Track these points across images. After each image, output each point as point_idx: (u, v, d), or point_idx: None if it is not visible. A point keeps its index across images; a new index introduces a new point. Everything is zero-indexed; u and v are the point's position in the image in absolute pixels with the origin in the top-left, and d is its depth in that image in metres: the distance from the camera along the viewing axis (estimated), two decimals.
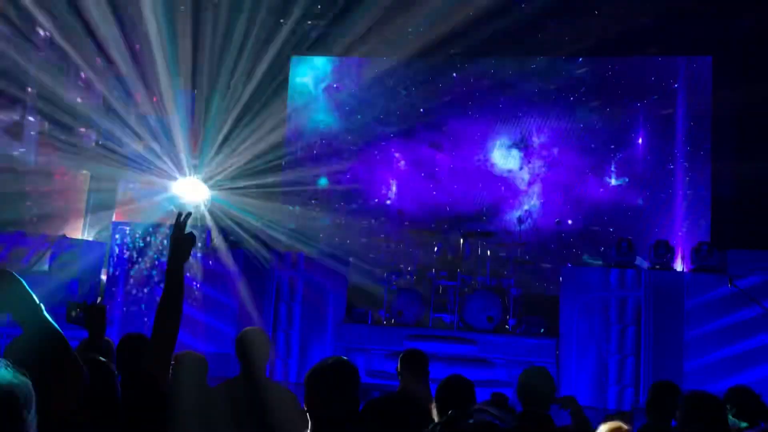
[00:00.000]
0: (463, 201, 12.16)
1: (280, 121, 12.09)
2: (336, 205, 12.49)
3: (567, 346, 8.92)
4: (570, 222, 11.70)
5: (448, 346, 8.98)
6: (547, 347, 8.87)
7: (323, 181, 12.75)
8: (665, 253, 9.33)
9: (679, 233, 11.22)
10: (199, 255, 9.37)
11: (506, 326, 9.30)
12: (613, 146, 11.70)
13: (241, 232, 9.84)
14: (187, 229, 2.20)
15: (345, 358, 2.64)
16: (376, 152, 12.58)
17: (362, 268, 10.67)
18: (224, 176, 10.81)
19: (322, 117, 12.74)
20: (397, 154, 12.59)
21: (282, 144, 12.37)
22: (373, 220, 12.13)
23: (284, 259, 9.76)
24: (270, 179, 11.55)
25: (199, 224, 9.61)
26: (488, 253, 9.74)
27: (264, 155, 11.54)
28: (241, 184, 10.93)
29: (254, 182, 11.12)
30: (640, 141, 11.68)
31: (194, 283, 9.27)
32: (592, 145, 11.73)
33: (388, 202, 12.50)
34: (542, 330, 9.17)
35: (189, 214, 2.35)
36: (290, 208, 12.50)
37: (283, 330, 9.60)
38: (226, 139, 10.96)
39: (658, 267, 9.16)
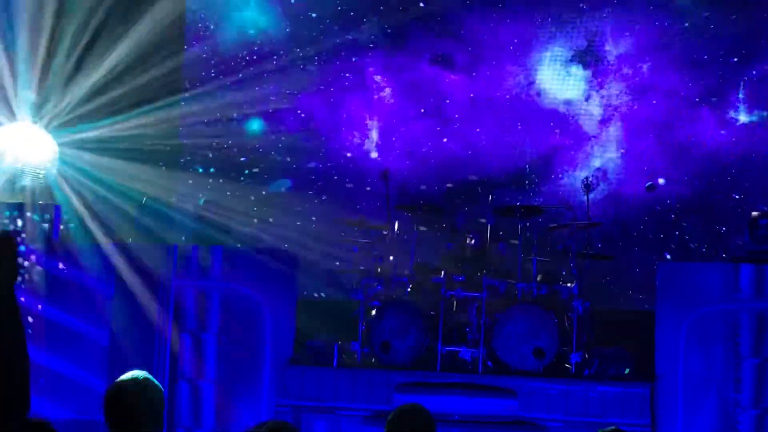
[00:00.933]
0: (492, 154, 12.12)
1: (174, 25, 11.81)
2: (277, 166, 12.47)
3: (669, 396, 8.95)
4: (662, 182, 11.70)
5: (469, 402, 9.05)
6: (637, 399, 8.92)
7: (256, 125, 12.85)
8: None
9: None
10: (37, 253, 9.38)
11: (566, 365, 9.33)
12: (739, 59, 11.82)
13: (111, 214, 9.86)
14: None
15: (290, 425, 2.89)
16: (343, 74, 12.63)
17: (322, 271, 10.77)
18: (83, 120, 10.68)
19: (252, 16, 12.81)
20: (377, 77, 12.55)
21: (179, 64, 12.08)
22: (337, 190, 12.15)
23: (188, 260, 9.74)
24: (159, 120, 11.44)
25: (37, 200, 9.53)
26: (534, 242, 9.72)
27: (151, 84, 11.30)
28: (112, 132, 10.75)
29: (135, 129, 10.99)
30: None
31: (34, 303, 9.29)
32: (706, 57, 11.87)
33: (367, 156, 12.48)
34: (627, 370, 9.22)
35: None
36: (199, 170, 12.39)
37: (187, 379, 9.53)
38: (83, 57, 10.75)
39: None
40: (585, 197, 10.26)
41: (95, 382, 9.40)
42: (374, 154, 12.49)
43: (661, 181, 11.81)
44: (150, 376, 4.02)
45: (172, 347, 9.53)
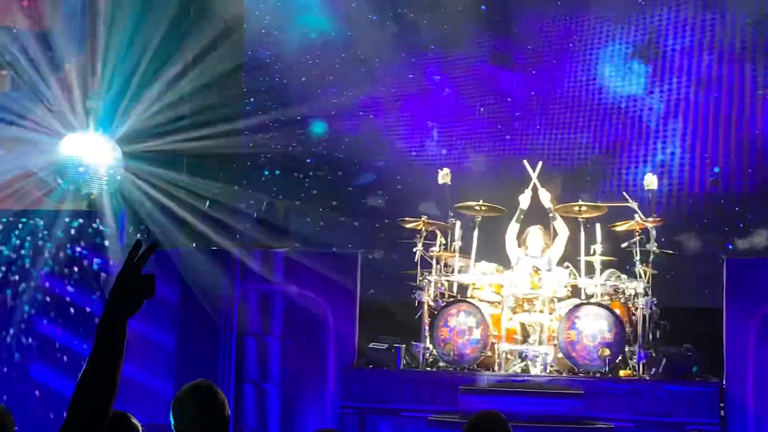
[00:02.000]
0: (553, 152, 11.98)
1: (236, 35, 11.73)
2: (338, 168, 12.37)
3: (738, 395, 8.80)
4: (722, 174, 11.46)
5: (535, 403, 8.87)
6: (706, 397, 8.76)
7: (319, 128, 12.77)
8: None
9: None
10: (104, 259, 9.52)
11: (632, 364, 9.13)
12: None
13: (175, 222, 9.91)
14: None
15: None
16: (403, 75, 12.52)
17: (384, 272, 10.74)
18: (148, 131, 10.63)
19: (314, 20, 12.71)
20: (437, 77, 12.44)
21: (239, 68, 11.98)
22: (399, 190, 12.02)
23: (251, 264, 9.75)
24: (223, 132, 11.29)
25: (103, 207, 9.59)
26: (598, 238, 9.47)
27: (213, 95, 11.21)
28: (177, 144, 10.71)
29: (196, 137, 10.89)
30: None
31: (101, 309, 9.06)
32: (767, 47, 11.58)
33: (428, 155, 12.37)
34: (695, 369, 9.08)
35: (153, 246, 2.58)
36: (265, 173, 12.31)
37: (252, 382, 9.53)
38: (141, 68, 10.64)
39: None
40: (648, 193, 9.94)
41: (162, 387, 9.42)
42: (435, 154, 12.33)
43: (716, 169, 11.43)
44: (212, 384, 4.07)
45: (237, 352, 9.52)
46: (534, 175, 9.94)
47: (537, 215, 9.94)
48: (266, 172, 12.62)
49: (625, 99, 11.98)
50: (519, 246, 9.75)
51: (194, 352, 9.42)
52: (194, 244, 10.05)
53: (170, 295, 9.65)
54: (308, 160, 12.58)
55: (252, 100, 12.64)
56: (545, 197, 9.82)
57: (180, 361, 9.44)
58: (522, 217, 9.83)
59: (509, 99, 12.22)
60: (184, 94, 10.95)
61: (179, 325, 9.65)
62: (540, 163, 10.07)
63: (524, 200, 9.84)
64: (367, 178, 12.44)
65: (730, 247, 11.13)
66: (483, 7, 12.24)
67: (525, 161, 10.22)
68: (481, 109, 12.29)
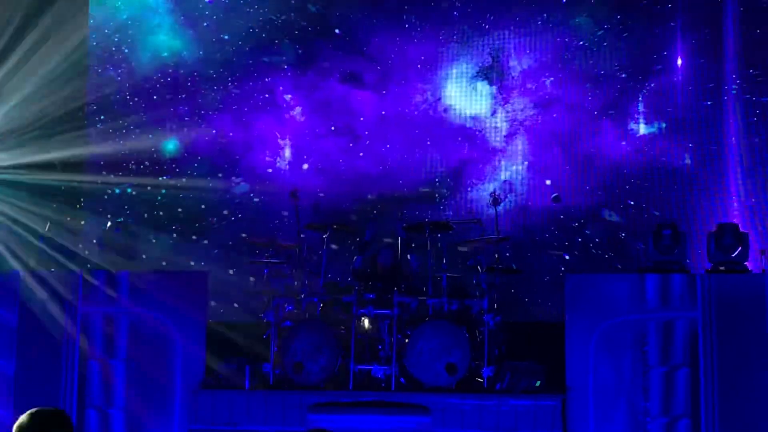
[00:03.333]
0: (402, 170, 11.89)
1: (78, 51, 11.28)
2: (187, 187, 12.01)
3: (580, 407, 8.75)
4: (561, 190, 11.56)
5: (382, 420, 8.78)
6: (548, 411, 8.71)
7: (171, 146, 12.50)
8: (734, 244, 9.22)
9: (747, 208, 11.34)
10: None
11: (479, 379, 9.07)
12: (636, 73, 11.72)
13: (15, 242, 9.49)
14: None
15: None
16: (255, 94, 12.37)
17: (233, 293, 10.43)
18: None
19: (165, 40, 12.53)
20: (288, 96, 12.27)
21: (82, 84, 11.54)
22: (249, 209, 11.80)
23: (94, 285, 9.33)
24: (65, 148, 10.92)
25: None
26: (444, 258, 9.42)
27: (55, 109, 10.71)
28: (16, 159, 10.22)
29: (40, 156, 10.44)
30: (679, 62, 11.72)
31: None
32: (603, 72, 11.74)
33: (279, 174, 12.12)
34: (538, 383, 8.98)
35: None
36: (109, 192, 11.92)
37: (96, 407, 9.06)
38: None
39: (723, 269, 9.15)
40: (494, 210, 9.93)
41: (1, 413, 8.88)
42: (286, 173, 12.14)
43: (571, 197, 11.47)
44: (60, 410, 3.86)
45: (80, 375, 9.10)
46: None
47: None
48: (117, 191, 12.19)
49: (470, 119, 11.98)
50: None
51: (35, 378, 8.92)
52: (33, 267, 9.51)
53: (9, 318, 9.19)
54: (160, 178, 12.18)
55: (101, 117, 12.24)
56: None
57: (20, 387, 8.92)
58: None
59: (361, 118, 12.12)
60: (22, 107, 10.43)
61: (18, 350, 9.14)
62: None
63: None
64: (219, 196, 12.07)
65: (568, 259, 11.19)
66: (337, 31, 12.18)
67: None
68: (333, 127, 12.15)
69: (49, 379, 8.95)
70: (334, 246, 9.84)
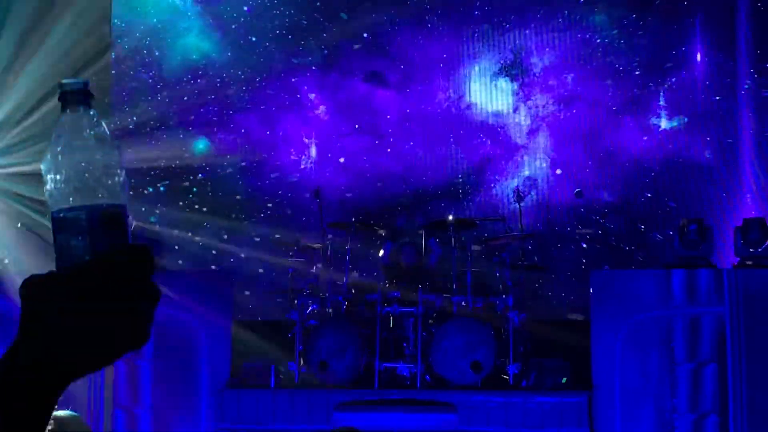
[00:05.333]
0: (425, 168, 11.66)
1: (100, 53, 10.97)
2: (213, 187, 11.78)
3: (606, 404, 8.52)
4: (585, 186, 11.30)
5: (408, 418, 8.52)
6: (574, 408, 8.46)
7: (201, 145, 12.28)
8: (761, 238, 8.86)
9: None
10: None
11: (504, 376, 8.85)
12: (659, 68, 11.54)
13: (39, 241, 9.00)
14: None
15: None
16: (281, 94, 12.12)
17: (258, 292, 10.16)
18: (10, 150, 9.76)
19: (194, 42, 12.32)
20: (312, 96, 12.01)
21: (108, 86, 11.25)
22: (274, 208, 11.45)
23: None
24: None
25: None
26: (469, 255, 9.19)
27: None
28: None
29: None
30: (698, 58, 11.61)
31: None
32: (622, 69, 11.58)
33: (303, 173, 11.86)
34: (564, 380, 8.73)
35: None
36: (149, 190, 11.60)
37: (123, 408, 8.74)
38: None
39: (751, 263, 8.81)
40: (517, 206, 9.72)
41: None
42: (310, 172, 11.89)
43: (594, 191, 11.19)
44: (76, 414, 4.01)
45: (106, 376, 8.76)
46: None
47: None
48: (150, 189, 11.87)
49: (492, 116, 11.79)
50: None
51: None
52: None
53: None
54: (192, 177, 11.94)
55: (132, 119, 11.95)
56: None
57: None
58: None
59: (386, 116, 11.92)
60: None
61: None
62: None
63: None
64: (247, 195, 11.76)
65: (599, 261, 10.89)
66: (360, 31, 11.97)
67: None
68: (356, 126, 11.91)
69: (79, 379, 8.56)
70: (357, 245, 9.59)
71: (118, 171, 1.23)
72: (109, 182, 1.22)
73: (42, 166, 1.20)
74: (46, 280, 1.15)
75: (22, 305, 1.15)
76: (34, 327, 1.13)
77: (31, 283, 1.15)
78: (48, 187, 1.20)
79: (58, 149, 1.22)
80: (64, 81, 1.27)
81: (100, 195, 1.21)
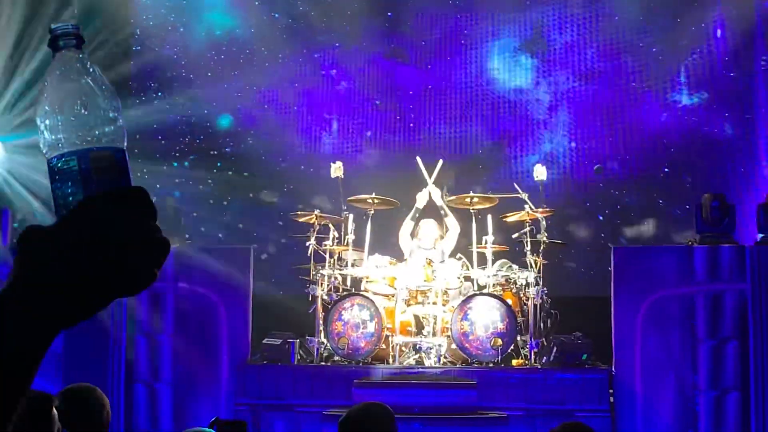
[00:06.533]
0: (446, 142, 11.39)
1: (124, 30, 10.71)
2: (236, 162, 11.50)
3: (627, 381, 8.43)
4: (605, 162, 11.14)
5: (428, 394, 8.28)
6: (595, 385, 8.31)
7: (225, 121, 12.00)
8: None
9: None
10: None
11: (523, 353, 8.65)
12: (679, 44, 11.22)
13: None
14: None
15: None
16: (303, 70, 11.83)
17: (277, 267, 9.96)
18: (32, 125, 9.30)
19: (218, 18, 12.09)
20: (333, 71, 11.73)
21: (128, 59, 10.97)
22: (291, 182, 11.20)
23: None
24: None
25: None
26: (489, 230, 8.90)
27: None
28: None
29: None
30: (718, 34, 11.28)
31: None
32: (646, 44, 11.29)
33: (325, 148, 11.59)
34: (585, 356, 8.55)
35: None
36: (174, 165, 11.37)
37: (143, 382, 8.57)
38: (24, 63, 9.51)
39: None
40: (537, 182, 9.36)
41: (50, 389, 8.10)
42: (331, 147, 11.60)
43: (613, 167, 10.93)
44: (88, 386, 3.97)
45: (126, 350, 8.61)
46: (431, 178, 9.08)
47: (431, 210, 9.18)
48: (175, 164, 11.66)
49: (513, 91, 11.51)
50: (412, 238, 8.98)
51: (83, 354, 8.33)
52: None
53: None
54: (216, 152, 11.70)
55: (158, 94, 11.77)
56: (436, 195, 9.05)
57: (68, 363, 8.36)
58: (417, 215, 9.09)
59: (408, 92, 11.61)
60: None
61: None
62: (440, 163, 9.18)
63: (421, 200, 9.05)
64: (269, 170, 11.50)
65: (619, 236, 10.64)
66: (383, 9, 11.67)
67: (419, 159, 9.32)
68: (377, 102, 11.58)
69: (96, 355, 8.44)
70: (378, 219, 9.28)
71: (114, 114, 1.18)
72: (105, 126, 1.17)
73: (36, 113, 1.15)
74: (41, 228, 1.13)
75: (18, 252, 1.14)
76: (29, 272, 1.11)
77: (27, 232, 1.13)
78: (43, 134, 1.15)
79: (49, 93, 1.18)
80: (54, 25, 1.21)
81: (94, 139, 1.16)
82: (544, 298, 8.76)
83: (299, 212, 9.05)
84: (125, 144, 1.17)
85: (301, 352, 8.67)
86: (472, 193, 9.06)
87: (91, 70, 1.19)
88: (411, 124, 11.46)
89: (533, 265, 8.70)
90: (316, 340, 8.53)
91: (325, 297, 8.63)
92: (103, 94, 1.18)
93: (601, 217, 10.91)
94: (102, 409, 3.89)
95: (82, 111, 1.16)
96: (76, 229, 1.10)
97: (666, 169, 10.95)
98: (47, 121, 1.15)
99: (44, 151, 1.15)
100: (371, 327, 8.38)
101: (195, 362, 8.60)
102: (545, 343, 8.64)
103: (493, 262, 8.77)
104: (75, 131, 1.14)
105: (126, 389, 8.40)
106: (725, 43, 11.10)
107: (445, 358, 8.48)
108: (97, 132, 1.16)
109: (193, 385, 8.59)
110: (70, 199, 1.14)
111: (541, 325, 8.74)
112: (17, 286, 1.10)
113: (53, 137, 1.15)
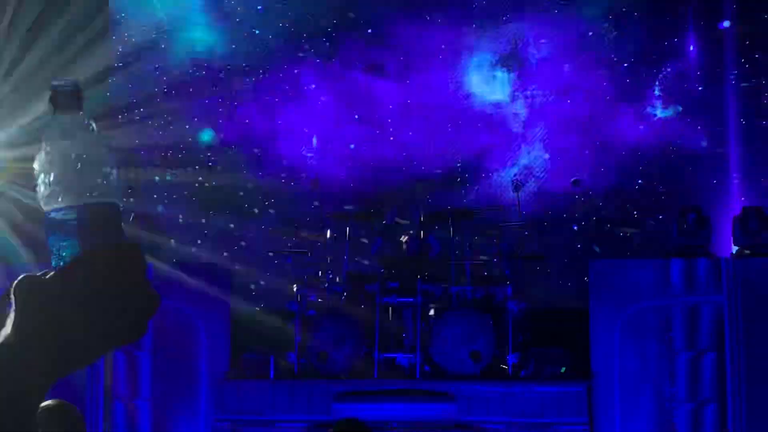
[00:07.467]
0: (424, 157, 11.26)
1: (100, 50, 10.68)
2: (218, 177, 11.40)
3: (606, 393, 8.38)
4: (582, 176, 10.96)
5: (407, 408, 8.26)
6: (573, 398, 8.27)
7: (207, 136, 11.87)
8: (760, 228, 8.67)
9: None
10: None
11: (503, 366, 8.59)
12: (654, 58, 11.28)
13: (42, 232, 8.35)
14: None
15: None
16: (283, 85, 11.75)
17: (256, 283, 9.74)
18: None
19: (200, 35, 11.97)
20: (313, 86, 11.66)
21: (105, 77, 10.89)
22: (271, 197, 11.08)
23: None
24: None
25: None
26: (468, 245, 9.01)
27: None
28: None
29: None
30: (691, 48, 11.39)
31: None
32: (621, 58, 11.29)
33: (303, 164, 11.44)
34: (563, 369, 8.52)
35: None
36: (152, 181, 11.15)
37: (122, 399, 8.42)
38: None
39: (749, 252, 8.59)
40: (516, 196, 9.49)
41: None
42: (311, 162, 11.54)
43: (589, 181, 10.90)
44: (69, 404, 3.75)
45: (105, 368, 8.46)
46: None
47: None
48: (156, 179, 11.50)
49: (491, 106, 11.48)
50: None
51: None
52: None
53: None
54: (197, 167, 11.52)
55: (140, 110, 11.62)
56: None
57: None
58: None
59: (388, 107, 11.56)
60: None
61: None
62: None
63: None
64: (249, 185, 11.38)
65: (596, 248, 10.62)
66: (361, 22, 11.58)
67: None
68: (357, 116, 11.52)
69: (75, 372, 8.16)
70: (356, 235, 9.28)
71: (110, 170, 1.22)
72: (100, 181, 1.20)
73: (35, 167, 1.18)
74: (37, 278, 1.16)
75: (15, 303, 1.16)
76: (26, 324, 1.14)
77: (23, 281, 1.16)
78: (40, 188, 1.18)
79: (48, 150, 1.22)
80: (55, 82, 1.25)
81: (91, 194, 1.19)
82: (523, 310, 8.75)
83: (280, 227, 9.00)
84: (121, 199, 1.21)
85: (280, 367, 8.60)
86: (449, 207, 9.09)
87: (89, 128, 1.23)
88: (391, 138, 11.38)
89: (512, 278, 8.72)
90: (296, 354, 8.47)
91: (304, 312, 8.58)
92: (100, 151, 1.22)
93: (576, 227, 10.92)
94: (78, 429, 3.77)
95: (79, 167, 1.20)
96: (73, 282, 1.13)
97: (640, 181, 10.96)
98: (46, 177, 1.17)
99: (42, 204, 1.17)
100: (350, 341, 8.35)
101: (174, 378, 8.50)
102: (524, 357, 8.61)
103: (472, 276, 8.74)
104: (72, 186, 1.16)
105: (105, 406, 8.26)
106: (697, 58, 11.17)
107: (425, 371, 8.46)
108: (94, 187, 1.20)
109: (172, 402, 8.48)
110: (66, 252, 1.16)
111: (520, 338, 8.71)
112: (15, 336, 1.13)
113: (51, 191, 1.19)
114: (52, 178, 1.18)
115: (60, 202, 1.19)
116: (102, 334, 1.17)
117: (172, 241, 9.55)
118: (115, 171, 1.20)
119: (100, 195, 1.20)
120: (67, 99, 1.24)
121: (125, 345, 1.22)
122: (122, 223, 1.20)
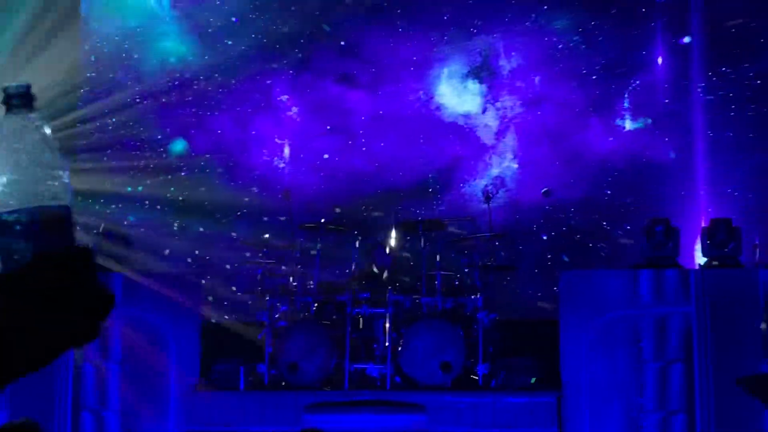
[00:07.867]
0: (395, 168, 11.24)
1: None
2: (189, 188, 11.34)
3: (575, 403, 8.33)
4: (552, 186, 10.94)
5: (378, 419, 8.19)
6: (543, 408, 8.24)
7: (179, 146, 11.81)
8: (727, 240, 8.61)
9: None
10: None
11: (474, 377, 8.54)
12: (623, 71, 11.32)
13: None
14: None
15: None
16: (255, 96, 11.72)
17: (226, 294, 9.70)
18: None
19: (173, 46, 11.94)
20: (285, 97, 11.60)
21: (75, 87, 10.81)
22: (242, 207, 11.00)
23: None
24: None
25: None
26: (437, 256, 8.83)
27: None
28: None
29: None
30: (660, 61, 11.44)
31: None
32: (590, 70, 11.32)
33: (275, 174, 11.37)
34: (533, 380, 8.48)
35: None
36: (123, 191, 11.06)
37: (91, 410, 8.28)
38: None
39: (716, 263, 8.57)
40: (486, 207, 9.35)
41: None
42: (282, 172, 11.49)
43: (560, 191, 10.91)
44: (33, 422, 3.38)
45: (74, 378, 8.32)
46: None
47: None
48: (129, 189, 11.39)
49: (462, 117, 11.46)
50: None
51: (29, 381, 7.81)
52: None
53: None
54: (169, 177, 11.45)
55: (112, 120, 11.53)
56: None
57: (15, 391, 7.90)
58: None
59: (360, 117, 11.53)
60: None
61: None
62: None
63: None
64: (220, 196, 11.27)
65: (565, 258, 10.61)
66: (332, 34, 11.59)
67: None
68: (328, 127, 11.47)
69: (43, 383, 8.12)
70: (327, 245, 9.16)
71: (61, 173, 1.20)
72: (51, 184, 1.19)
73: None
74: None
75: None
76: None
77: None
78: None
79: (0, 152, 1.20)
80: (6, 85, 1.24)
81: (41, 197, 1.18)
82: (493, 321, 8.70)
83: (248, 239, 8.92)
84: (70, 201, 1.19)
85: (250, 378, 8.50)
86: (420, 218, 9.02)
87: (40, 130, 1.22)
88: (363, 149, 11.34)
89: (481, 289, 8.65)
90: (266, 365, 8.38)
91: (275, 322, 8.49)
92: (51, 154, 1.21)
93: (545, 237, 10.90)
94: None
95: (30, 169, 1.19)
96: (25, 284, 1.13)
97: (608, 192, 10.96)
98: None
99: None
100: (321, 352, 8.26)
101: (143, 389, 8.37)
102: (494, 367, 8.57)
103: (441, 286, 8.68)
104: (23, 188, 1.16)
105: (73, 417, 8.11)
106: (665, 71, 11.20)
107: (396, 382, 8.40)
108: (45, 190, 1.19)
109: (141, 413, 8.36)
110: (18, 255, 1.16)
111: (490, 348, 8.66)
112: None
113: (2, 193, 1.18)
114: (2, 180, 1.16)
115: (11, 204, 1.18)
116: (53, 336, 1.17)
117: (142, 251, 9.42)
118: (66, 173, 1.19)
119: (50, 198, 1.19)
120: (18, 100, 1.22)
121: (78, 346, 1.22)
122: (72, 225, 1.19)
